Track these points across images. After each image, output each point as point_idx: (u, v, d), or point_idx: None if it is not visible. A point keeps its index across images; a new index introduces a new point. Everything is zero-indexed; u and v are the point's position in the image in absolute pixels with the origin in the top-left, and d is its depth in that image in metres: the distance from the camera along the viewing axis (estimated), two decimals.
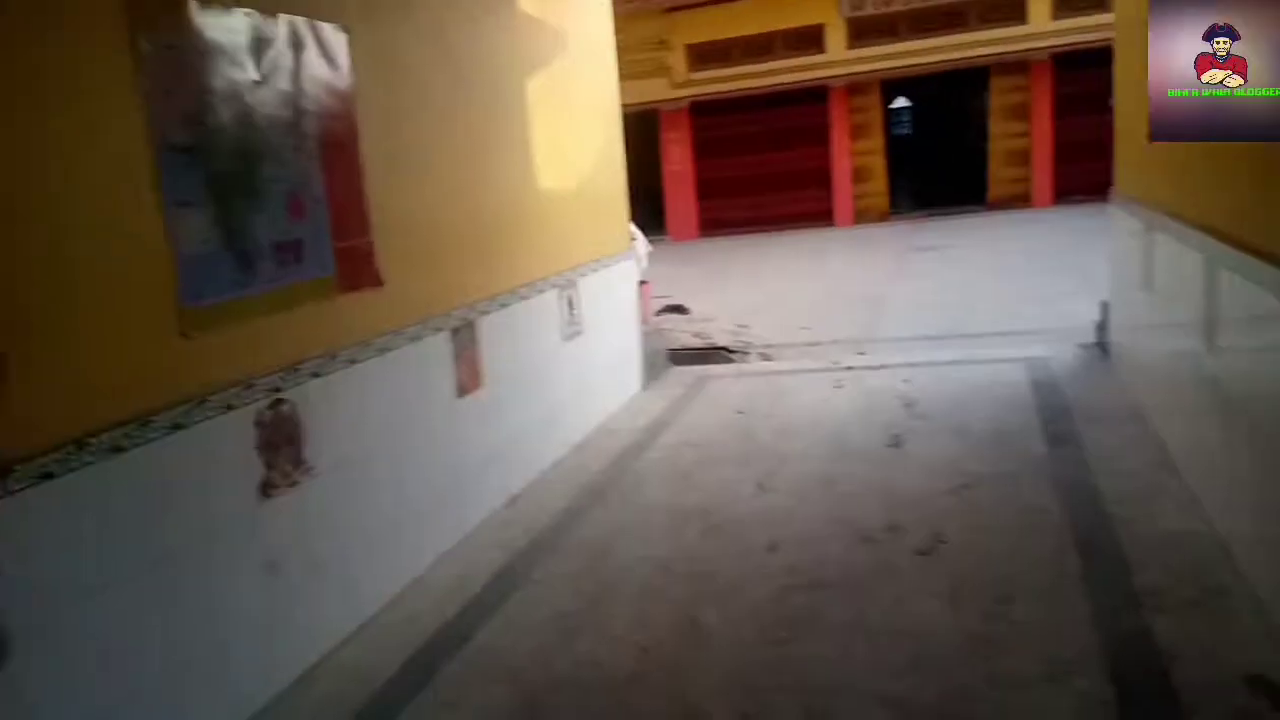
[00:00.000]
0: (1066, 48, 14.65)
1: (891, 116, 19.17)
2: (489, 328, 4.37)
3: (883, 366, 6.27)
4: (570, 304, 5.39)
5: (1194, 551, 3.08)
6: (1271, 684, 2.26)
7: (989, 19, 15.13)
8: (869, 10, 15.54)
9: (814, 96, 16.34)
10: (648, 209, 18.09)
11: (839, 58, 15.87)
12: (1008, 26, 15.03)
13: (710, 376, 6.64)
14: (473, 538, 4.10)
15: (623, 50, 15.54)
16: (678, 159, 17.44)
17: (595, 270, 5.76)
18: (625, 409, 5.99)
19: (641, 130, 17.66)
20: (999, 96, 15.56)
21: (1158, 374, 4.36)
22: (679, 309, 9.90)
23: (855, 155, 16.39)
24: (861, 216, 16.53)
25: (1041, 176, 15.34)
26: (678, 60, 16.76)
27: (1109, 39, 14.18)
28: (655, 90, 16.90)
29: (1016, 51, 14.98)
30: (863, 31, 15.75)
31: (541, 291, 4.97)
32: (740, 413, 5.59)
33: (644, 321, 7.64)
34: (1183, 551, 3.09)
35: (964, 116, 30.29)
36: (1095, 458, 4.07)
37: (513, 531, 4.15)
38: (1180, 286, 3.89)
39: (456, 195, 4.18)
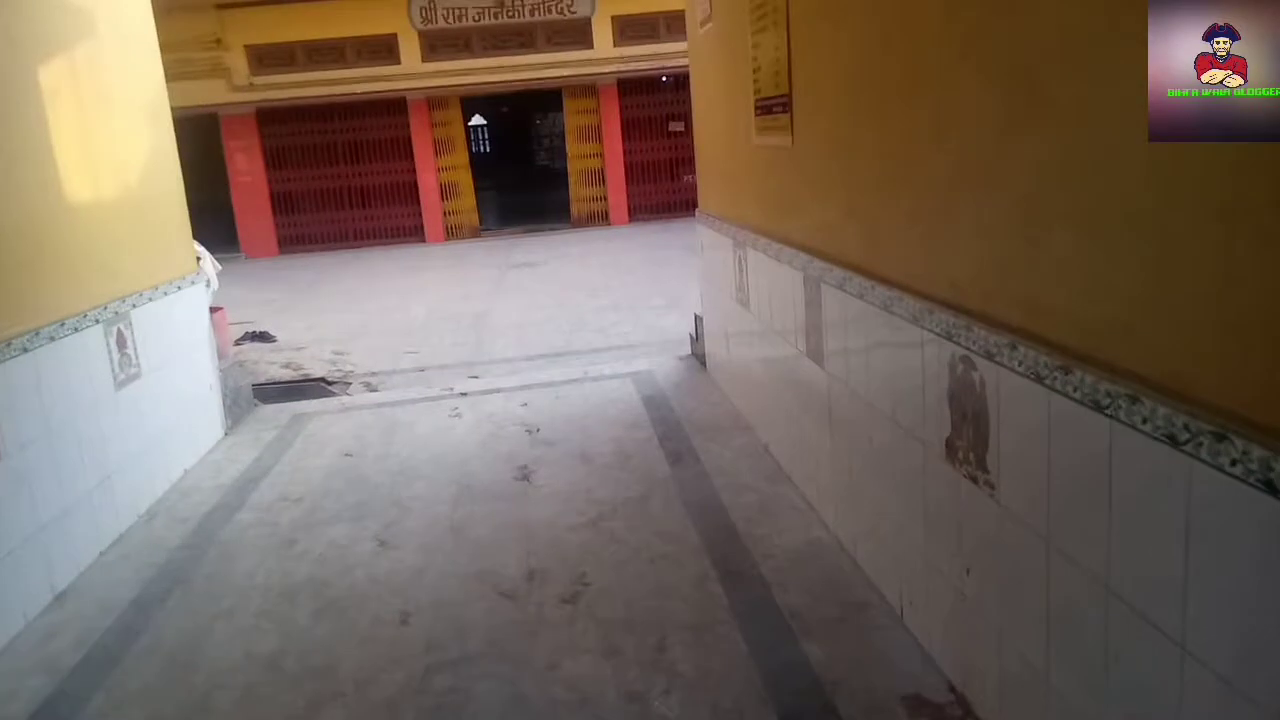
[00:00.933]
0: (629, 73, 15.71)
1: (470, 134, 19.25)
2: (6, 380, 3.36)
3: (498, 390, 6.01)
4: (122, 341, 4.39)
5: (824, 563, 3.19)
6: (929, 702, 2.33)
7: (558, 42, 15.73)
8: (440, 24, 15.35)
9: (393, 108, 15.76)
10: (216, 223, 16.20)
11: (415, 70, 15.47)
12: (575, 50, 15.74)
13: (308, 414, 5.89)
14: (3, 659, 3.11)
15: (171, 47, 13.74)
16: (247, 169, 15.81)
17: (154, 299, 4.78)
18: (205, 462, 5.07)
19: (200, 137, 15.75)
20: (573, 118, 16.25)
21: (756, 383, 4.60)
22: (263, 336, 8.84)
23: (441, 170, 16.10)
24: (453, 233, 16.29)
25: (616, 195, 16.30)
26: (237, 62, 15.17)
27: (665, 67, 15.65)
28: (214, 93, 15.15)
29: (584, 75, 15.74)
30: (437, 45, 15.52)
31: (79, 329, 3.96)
32: (348, 455, 4.98)
33: (222, 354, 6.64)
34: (814, 565, 3.19)
35: (541, 136, 31.92)
36: (715, 473, 4.16)
37: (60, 643, 3.22)
38: (775, 299, 4.11)
39: None
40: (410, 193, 16.14)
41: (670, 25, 15.73)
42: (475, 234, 16.29)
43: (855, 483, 3.12)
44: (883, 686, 2.46)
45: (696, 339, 6.32)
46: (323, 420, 5.73)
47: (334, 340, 8.46)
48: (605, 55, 15.75)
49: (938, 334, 2.40)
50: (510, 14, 15.44)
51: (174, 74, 14.13)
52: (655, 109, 16.30)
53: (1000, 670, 2.20)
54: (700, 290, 6.15)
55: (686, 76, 16.05)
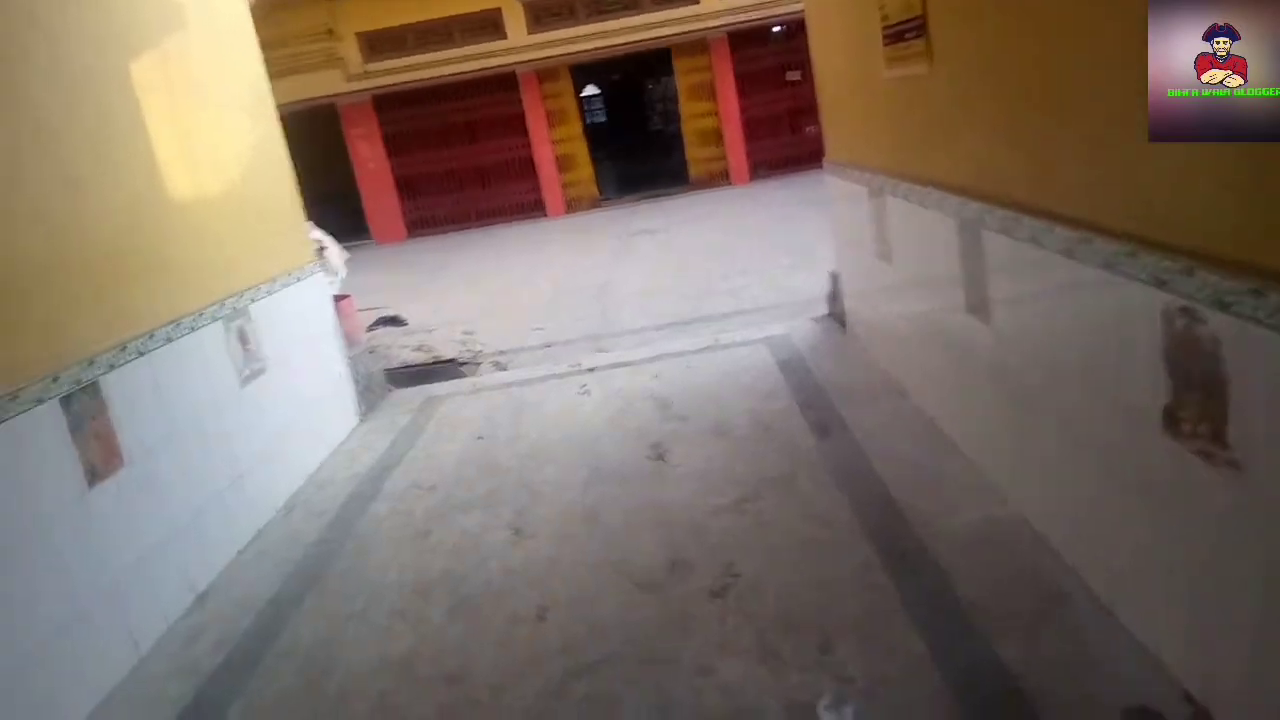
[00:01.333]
0: (740, 24, 15.11)
1: (585, 104, 19.06)
2: (123, 385, 3.33)
3: (627, 364, 5.77)
4: (244, 337, 4.36)
5: (1009, 547, 2.78)
6: (1161, 715, 1.93)
7: (664, 1, 15.27)
8: None
9: (504, 84, 15.71)
10: (344, 212, 16.66)
11: (521, 43, 15.34)
12: (682, 6, 15.25)
13: (440, 396, 5.82)
14: (147, 664, 3.11)
15: (286, 42, 14.02)
16: (369, 156, 16.14)
17: (273, 292, 4.75)
18: (340, 451, 5.05)
19: (321, 128, 16.18)
20: (685, 77, 15.80)
21: (908, 343, 4.18)
22: (394, 320, 8.92)
23: (556, 143, 15.98)
24: (573, 205, 16.19)
25: (735, 154, 15.79)
26: (350, 51, 15.41)
27: (775, 15, 14.97)
28: (330, 83, 15.46)
29: (694, 31, 15.23)
30: (541, 15, 15.33)
31: (197, 328, 3.93)
32: (480, 438, 4.85)
33: (353, 341, 6.68)
34: (997, 549, 2.78)
35: (655, 101, 31.51)
36: (867, 444, 3.79)
37: (201, 646, 3.19)
38: (924, 249, 3.67)
39: (40, 213, 3.10)
40: (527, 168, 16.11)
41: None
42: (595, 204, 16.13)
43: (1043, 454, 2.71)
44: (1100, 696, 2.07)
45: (834, 299, 5.90)
46: (454, 402, 5.63)
47: (463, 321, 8.42)
48: (713, 9, 15.18)
49: (1144, 281, 1.97)
50: None
51: (289, 68, 14.46)
52: (770, 60, 15.65)
53: (1256, 677, 1.79)
54: (835, 246, 5.72)
55: (800, 23, 15.28)
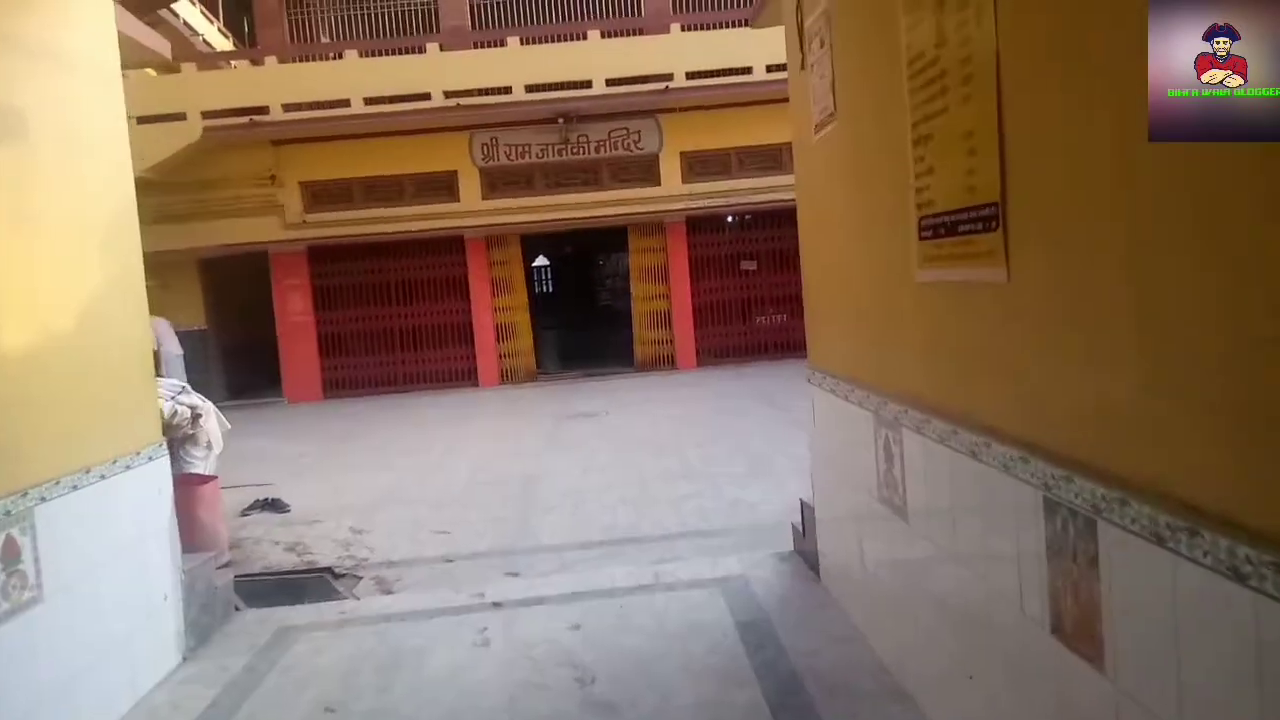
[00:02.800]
0: (700, 210, 14.81)
1: (532, 274, 18.50)
2: None
3: (542, 599, 4.54)
4: (15, 552, 3.09)
5: None
6: None
7: (624, 179, 14.99)
8: (502, 161, 14.75)
9: (450, 247, 15.01)
10: (258, 366, 15.39)
11: (474, 207, 14.79)
12: (642, 187, 14.96)
13: (297, 628, 4.47)
14: None
15: (227, 184, 13.17)
16: (297, 309, 15.06)
17: (81, 486, 3.51)
18: (144, 707, 3.66)
19: (249, 275, 15.15)
20: (638, 256, 15.31)
21: (921, 627, 3.06)
22: (275, 505, 7.56)
23: (499, 311, 15.16)
24: (508, 376, 15.19)
25: (683, 338, 15.12)
26: (291, 199, 14.66)
27: (736, 204, 14.71)
28: (266, 230, 14.61)
29: (651, 213, 14.87)
30: (497, 182, 14.89)
31: None
32: (330, 711, 3.53)
33: (211, 536, 5.38)
34: None
35: (605, 277, 31.46)
36: None
37: None
38: (969, 518, 2.63)
39: None
40: (464, 334, 15.18)
41: (743, 161, 14.93)
42: (532, 378, 15.16)
43: None
44: None
45: (804, 534, 4.81)
46: (311, 641, 4.29)
47: (356, 511, 7.13)
48: (673, 192, 14.93)
49: None
50: (575, 150, 14.78)
51: (227, 210, 13.60)
52: (726, 247, 15.30)
53: None
54: (812, 471, 4.69)
55: (761, 214, 14.80)
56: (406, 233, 14.67)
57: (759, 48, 14.22)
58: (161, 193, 14.20)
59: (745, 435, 8.81)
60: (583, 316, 26.15)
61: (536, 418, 11.26)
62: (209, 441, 6.57)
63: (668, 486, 7.05)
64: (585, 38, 14.34)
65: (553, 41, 14.66)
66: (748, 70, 14.26)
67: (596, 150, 14.84)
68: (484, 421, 11.45)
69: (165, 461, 4.41)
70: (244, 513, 7.42)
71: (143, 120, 13.78)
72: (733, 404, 10.95)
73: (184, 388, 6.54)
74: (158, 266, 14.65)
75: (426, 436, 10.54)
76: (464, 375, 15.19)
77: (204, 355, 14.73)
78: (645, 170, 15.02)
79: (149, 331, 4.43)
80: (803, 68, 4.29)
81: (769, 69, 14.24)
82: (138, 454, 4.09)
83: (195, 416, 6.43)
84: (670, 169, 14.95)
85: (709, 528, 5.88)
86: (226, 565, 5.90)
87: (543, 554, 5.70)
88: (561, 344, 18.71)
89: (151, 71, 14.65)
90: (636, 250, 15.27)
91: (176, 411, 6.33)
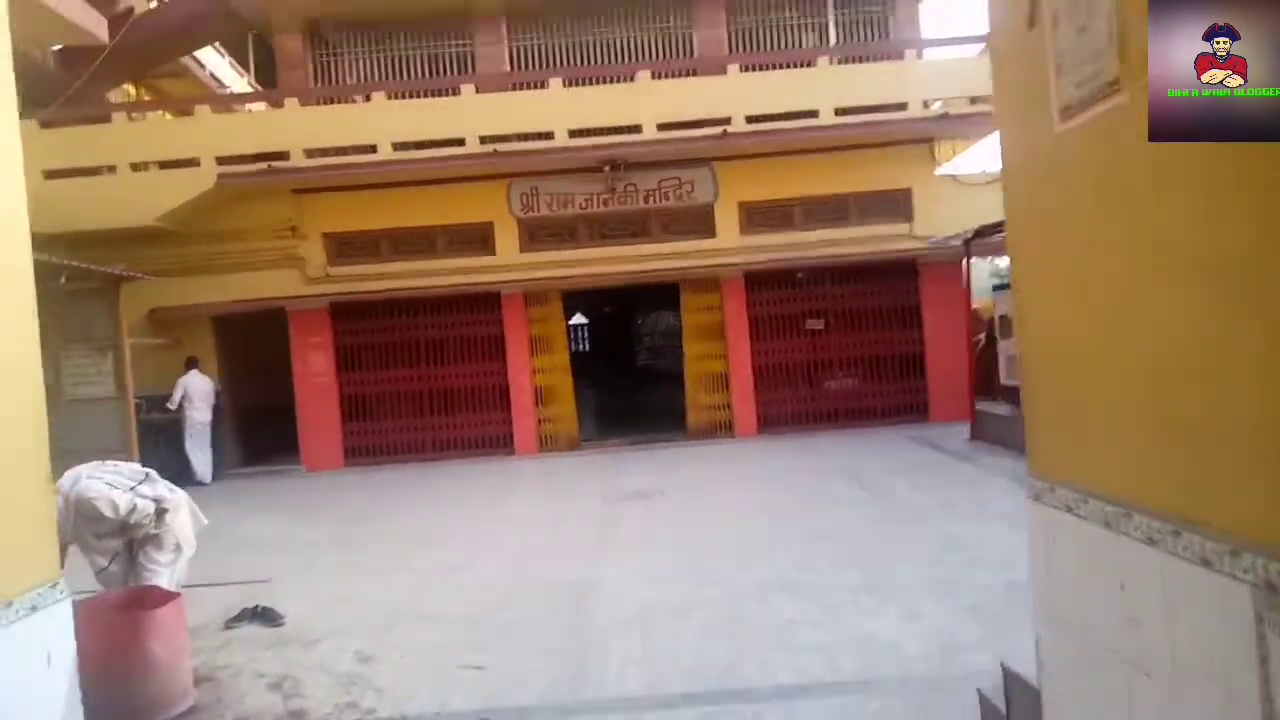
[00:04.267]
0: (758, 265, 13.42)
1: (572, 332, 17.18)
2: None
3: None
4: None
5: None
6: None
7: (676, 230, 13.70)
8: (543, 212, 13.51)
9: (485, 304, 13.71)
10: (276, 431, 14.06)
11: (512, 261, 13.53)
12: (696, 239, 13.64)
13: None
14: None
15: (242, 236, 11.98)
16: (317, 369, 13.77)
17: None
18: None
19: (265, 333, 13.93)
20: (692, 315, 13.89)
21: None
22: (267, 615, 6.08)
23: (537, 372, 13.77)
24: (548, 444, 13.72)
25: (742, 404, 13.60)
26: (313, 251, 13.49)
27: (800, 257, 13.30)
28: (285, 284, 13.42)
29: (706, 267, 13.52)
30: (538, 234, 13.65)
31: None
32: None
33: (163, 672, 3.97)
34: None
35: (642, 335, 30.14)
36: None
37: None
38: None
39: None
40: (500, 398, 13.78)
41: (808, 213, 13.58)
42: (574, 446, 13.68)
43: None
44: None
45: (1009, 712, 3.24)
46: None
47: (366, 628, 5.64)
48: (730, 245, 13.59)
49: None
50: (622, 200, 13.53)
51: (242, 263, 12.42)
52: (789, 305, 13.84)
53: None
54: (1040, 633, 3.10)
55: (826, 270, 12.96)
56: (437, 288, 13.42)
57: (825, 90, 13.02)
58: (175, 244, 13.13)
59: (844, 530, 7.24)
60: (626, 378, 24.78)
61: (582, 497, 9.73)
62: (177, 544, 5.15)
63: (764, 606, 5.49)
64: (634, 79, 13.16)
65: (599, 83, 13.48)
66: (813, 114, 12.99)
67: (646, 200, 13.60)
68: (522, 501, 9.94)
69: (64, 610, 2.96)
70: (229, 624, 5.96)
71: (152, 166, 12.75)
72: (813, 484, 9.37)
73: (147, 475, 5.16)
74: (168, 322, 13.55)
75: (455, 520, 9.05)
76: (499, 442, 13.75)
77: (217, 419, 13.46)
78: (699, 222, 13.72)
79: (41, 417, 3.02)
80: (1031, 25, 2.85)
81: (837, 112, 12.98)
82: (29, 593, 2.66)
83: (160, 512, 5.02)
84: (727, 221, 13.64)
85: (838, 678, 4.31)
86: (187, 716, 4.45)
87: (613, 709, 4.16)
88: (600, 406, 17.23)
89: (166, 115, 13.69)
90: (691, 308, 13.86)
91: (136, 506, 4.93)
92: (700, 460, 11.78)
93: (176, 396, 12.91)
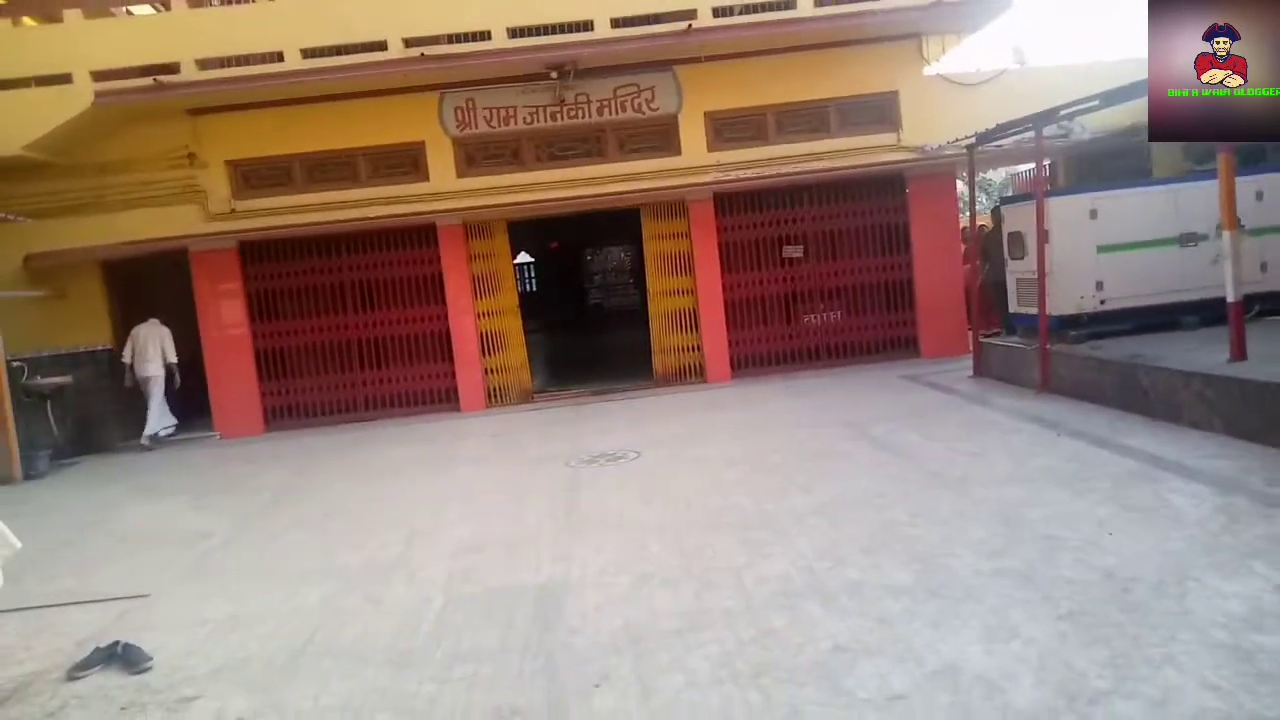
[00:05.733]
0: (732, 184, 11.87)
1: (519, 271, 15.51)
2: None
3: None
4: None
5: None
6: None
7: (635, 148, 12.05)
8: (481, 129, 11.76)
9: (419, 238, 11.99)
10: (186, 392, 12.29)
11: (447, 188, 11.79)
12: (658, 157, 12.01)
13: None
14: None
15: (130, 166, 10.04)
16: (227, 320, 11.97)
17: None
18: None
19: (166, 278, 12.07)
20: (655, 244, 12.33)
21: None
22: (127, 656, 4.50)
23: (482, 316, 12.15)
24: (497, 398, 12.19)
25: (714, 344, 12.16)
26: (216, 182, 11.60)
27: (772, 176, 11.73)
28: (185, 222, 11.55)
29: (670, 189, 11.93)
30: (476, 156, 11.91)
31: None
32: None
33: None
34: None
35: (593, 272, 28.41)
36: None
37: None
38: None
39: None
40: (441, 346, 12.15)
41: (782, 123, 12.01)
42: (527, 398, 12.16)
43: None
44: None
45: None
46: None
47: (258, 671, 4.14)
48: (697, 162, 11.99)
49: None
50: (572, 113, 11.83)
51: (132, 200, 10.30)
52: (763, 229, 12.35)
53: None
54: None
55: (804, 188, 11.21)
56: (364, 221, 11.66)
57: None
58: (50, 178, 11.17)
59: (866, 502, 5.86)
60: (572, 318, 23.18)
61: (540, 462, 8.25)
62: None
63: (795, 622, 4.07)
64: None
65: None
66: (789, 4, 11.33)
67: (599, 113, 11.91)
68: (469, 471, 8.41)
69: None
70: (73, 672, 4.39)
71: (14, 84, 10.69)
72: (809, 438, 8.00)
73: None
74: (50, 271, 11.23)
75: (389, 499, 7.51)
76: (441, 397, 12.17)
77: (112, 382, 11.67)
78: (661, 137, 12.09)
79: None
80: None
81: (816, 3, 11.34)
82: None
83: None
84: (693, 134, 12.03)
85: None
86: None
87: None
88: (553, 353, 15.65)
89: (29, 22, 11.53)
90: (653, 236, 12.29)
91: None
92: (673, 411, 10.35)
93: (127, 352, 11.51)
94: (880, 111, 12.13)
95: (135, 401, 12.11)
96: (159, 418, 11.60)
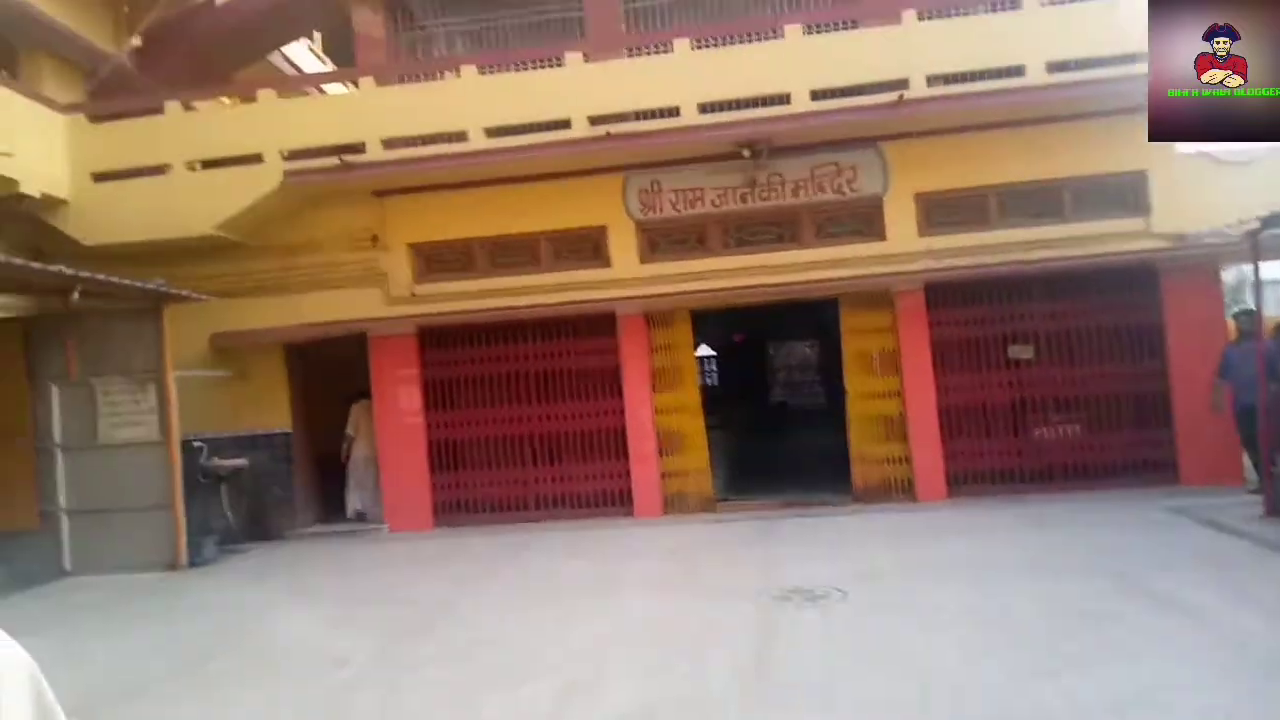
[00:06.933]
0: (946, 273, 10.40)
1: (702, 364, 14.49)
2: None
3: None
4: None
5: None
6: None
7: (834, 233, 10.86)
8: (666, 213, 10.93)
9: (598, 327, 11.18)
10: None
11: (629, 274, 10.98)
12: (860, 242, 10.76)
13: None
14: None
15: (316, 248, 9.58)
16: (402, 407, 11.52)
17: None
18: None
19: (348, 364, 11.83)
20: (855, 339, 10.95)
21: None
22: None
23: (661, 413, 11.10)
24: (674, 504, 11.01)
25: (925, 456, 10.51)
26: (397, 265, 11.30)
27: (995, 265, 9.83)
28: (366, 305, 11.28)
29: (875, 276, 10.59)
30: (660, 241, 11.08)
31: None
32: None
33: None
34: None
35: (776, 368, 27.07)
36: None
37: None
38: None
39: None
40: (616, 444, 11.15)
41: (1005, 205, 10.54)
42: (707, 507, 10.91)
43: None
44: None
45: None
46: None
47: None
48: (905, 249, 10.63)
49: None
50: (764, 195, 10.82)
51: (316, 282, 9.58)
52: (984, 326, 10.72)
53: None
54: None
55: (1034, 280, 9.77)
56: (543, 308, 10.98)
57: (1034, 37, 9.95)
58: (238, 258, 11.18)
59: (1180, 695, 4.21)
60: (753, 417, 21.78)
61: (724, 594, 6.94)
62: None
63: None
64: (780, 35, 10.44)
65: (735, 42, 10.84)
66: (1017, 71, 9.94)
67: (795, 194, 10.83)
68: (640, 597, 7.18)
69: None
70: None
71: (211, 164, 10.85)
72: (1067, 588, 6.29)
73: None
74: (233, 351, 11.25)
75: (544, 633, 6.38)
76: (614, 500, 11.13)
77: (288, 467, 11.43)
78: (864, 220, 10.85)
79: None
80: None
81: (1050, 67, 9.90)
82: None
83: None
84: (900, 217, 10.71)
85: None
86: None
87: None
88: (736, 455, 14.33)
89: (226, 100, 11.83)
90: (852, 330, 10.93)
91: None
92: (880, 535, 8.80)
93: (351, 427, 11.95)
94: (1125, 193, 10.40)
95: (309, 488, 11.84)
96: (361, 497, 11.75)
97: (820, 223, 10.92)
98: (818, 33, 10.61)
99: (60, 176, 10.57)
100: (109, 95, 12.24)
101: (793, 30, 10.33)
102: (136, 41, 13.45)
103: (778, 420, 21.29)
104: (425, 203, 11.12)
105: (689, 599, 6.94)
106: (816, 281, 10.64)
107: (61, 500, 9.63)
